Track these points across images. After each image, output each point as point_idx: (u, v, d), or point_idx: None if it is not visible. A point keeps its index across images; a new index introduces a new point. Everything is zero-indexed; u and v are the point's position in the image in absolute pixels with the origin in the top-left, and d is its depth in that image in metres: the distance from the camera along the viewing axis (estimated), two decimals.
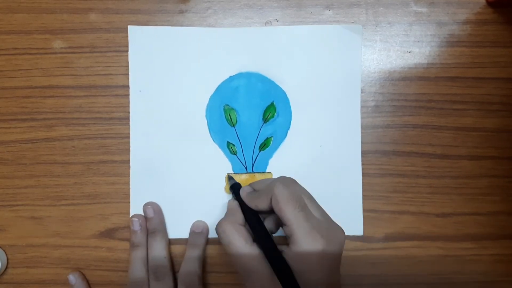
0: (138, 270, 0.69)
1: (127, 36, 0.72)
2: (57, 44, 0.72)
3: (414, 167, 0.73)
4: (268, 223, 0.65)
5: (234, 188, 0.69)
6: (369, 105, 0.73)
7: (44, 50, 0.72)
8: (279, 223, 0.63)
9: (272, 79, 0.72)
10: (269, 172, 0.73)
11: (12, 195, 0.73)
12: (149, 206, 0.72)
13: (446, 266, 0.74)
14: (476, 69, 0.73)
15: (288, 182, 0.62)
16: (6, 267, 0.73)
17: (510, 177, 0.74)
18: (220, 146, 0.73)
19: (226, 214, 0.66)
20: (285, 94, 0.72)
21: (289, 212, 0.58)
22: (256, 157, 0.73)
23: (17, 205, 0.73)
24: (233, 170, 0.73)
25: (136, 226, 0.71)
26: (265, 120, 0.72)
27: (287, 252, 0.59)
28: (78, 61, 0.72)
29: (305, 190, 0.64)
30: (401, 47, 0.73)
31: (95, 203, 0.73)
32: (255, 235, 0.63)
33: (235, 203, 0.66)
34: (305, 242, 0.57)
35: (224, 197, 0.73)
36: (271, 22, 0.73)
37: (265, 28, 0.72)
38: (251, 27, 0.73)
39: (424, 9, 0.73)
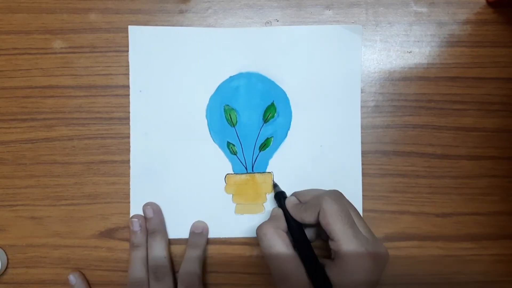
0: (138, 270, 0.69)
1: (127, 36, 0.72)
2: (57, 44, 0.72)
3: (414, 167, 0.73)
4: (308, 233, 0.65)
5: (279, 196, 0.69)
6: (369, 105, 0.73)
7: (44, 50, 0.72)
8: (319, 234, 0.65)
9: (272, 79, 0.72)
10: (269, 172, 0.73)
11: (12, 195, 0.73)
12: (149, 207, 0.72)
13: (446, 266, 0.74)
14: (476, 69, 0.73)
15: (336, 197, 0.63)
16: (6, 267, 0.73)
17: (510, 177, 0.74)
18: (220, 146, 0.73)
19: (269, 219, 0.66)
20: (285, 94, 0.72)
21: (337, 228, 0.59)
22: (256, 157, 0.73)
23: (17, 205, 0.73)
24: (233, 170, 0.73)
25: (136, 226, 0.71)
26: (265, 120, 0.72)
27: (330, 266, 0.59)
28: (78, 61, 0.72)
29: (353, 205, 0.64)
30: (401, 47, 0.73)
31: (95, 203, 0.73)
32: (297, 245, 0.63)
33: (280, 211, 0.67)
34: (352, 259, 0.58)
35: (224, 197, 0.73)
36: (271, 22, 0.73)
37: (265, 28, 0.72)
38: (251, 27, 0.73)
39: (424, 9, 0.73)
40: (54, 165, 0.73)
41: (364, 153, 0.73)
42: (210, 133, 0.72)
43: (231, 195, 0.73)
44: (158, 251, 0.70)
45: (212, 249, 0.73)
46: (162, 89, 0.72)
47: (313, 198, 0.65)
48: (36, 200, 0.73)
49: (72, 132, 0.73)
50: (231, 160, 0.73)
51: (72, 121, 0.72)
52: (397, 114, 0.73)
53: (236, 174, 0.73)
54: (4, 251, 0.73)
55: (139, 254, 0.70)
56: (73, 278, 0.71)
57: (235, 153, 0.73)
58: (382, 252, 0.61)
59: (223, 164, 0.73)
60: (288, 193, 0.71)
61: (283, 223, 0.65)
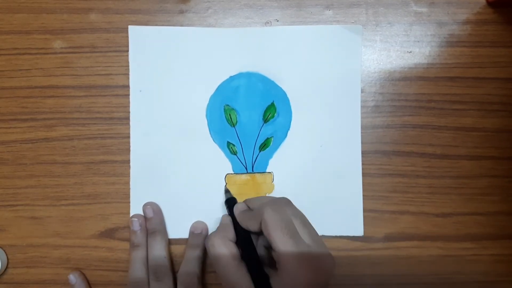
0: (138, 270, 0.69)
1: (127, 36, 0.72)
2: (57, 44, 0.72)
3: (414, 167, 0.73)
4: (261, 243, 0.66)
5: (229, 203, 0.70)
6: (369, 105, 0.73)
7: (44, 50, 0.72)
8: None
9: (273, 79, 0.72)
10: (270, 172, 0.73)
11: (12, 195, 0.73)
12: (149, 206, 0.72)
13: (446, 266, 0.74)
14: (476, 69, 0.73)
15: (279, 206, 0.63)
16: (6, 267, 0.73)
17: (510, 177, 0.74)
18: (220, 146, 0.73)
19: (218, 228, 0.67)
20: (286, 94, 0.72)
21: (277, 238, 0.59)
22: (256, 157, 0.73)
23: (17, 205, 0.73)
24: (233, 170, 0.73)
25: (136, 226, 0.71)
26: (265, 120, 0.72)
27: (273, 276, 0.60)
28: (78, 61, 0.72)
29: (299, 212, 0.64)
30: (401, 47, 0.73)
31: (95, 203, 0.73)
32: (244, 255, 0.63)
33: (229, 218, 0.68)
34: (291, 270, 0.58)
35: (224, 198, 0.73)
36: (271, 22, 0.73)
37: (266, 28, 0.72)
38: (251, 27, 0.73)
39: (424, 9, 0.73)
40: (54, 165, 0.73)
41: (364, 153, 0.73)
42: (210, 133, 0.72)
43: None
44: (158, 251, 0.70)
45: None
46: (162, 89, 0.72)
47: (258, 206, 0.65)
48: (36, 200, 0.73)
49: (72, 132, 0.73)
50: (231, 160, 0.73)
51: (72, 121, 0.72)
52: (397, 114, 0.73)
53: (236, 174, 0.73)
54: (4, 251, 0.73)
55: (139, 254, 0.70)
56: (73, 277, 0.71)
57: (235, 153, 0.73)
58: (325, 260, 0.61)
59: (223, 164, 0.73)
60: (288, 193, 0.71)
61: (231, 232, 0.65)
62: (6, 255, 0.73)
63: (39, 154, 0.73)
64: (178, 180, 0.73)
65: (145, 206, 0.72)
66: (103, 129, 0.73)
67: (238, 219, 0.66)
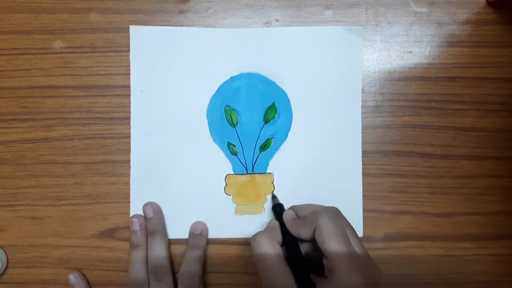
0: (138, 270, 0.69)
1: (128, 36, 0.72)
2: (57, 44, 0.72)
3: (414, 167, 0.74)
4: (304, 248, 0.65)
5: (277, 208, 0.70)
6: (369, 105, 0.73)
7: (44, 50, 0.72)
8: (315, 250, 0.64)
9: (273, 80, 0.72)
10: (270, 173, 0.73)
11: (12, 195, 0.73)
12: (149, 206, 0.72)
13: (446, 266, 0.74)
14: (476, 69, 0.73)
15: (333, 214, 0.63)
16: (6, 267, 0.73)
17: (509, 177, 0.74)
18: (221, 147, 0.73)
19: (265, 230, 0.67)
20: (286, 95, 0.72)
21: (333, 246, 0.59)
22: (257, 158, 0.73)
23: (17, 205, 0.73)
24: (233, 171, 0.73)
25: (136, 226, 0.71)
26: (266, 121, 0.72)
27: (322, 284, 0.59)
28: (78, 61, 0.72)
29: (349, 223, 0.64)
30: (401, 47, 0.73)
31: (95, 203, 0.73)
32: (291, 259, 0.63)
33: (276, 223, 0.67)
34: (346, 278, 0.57)
35: (224, 198, 0.73)
36: (271, 22, 0.73)
37: (267, 29, 0.73)
38: (251, 27, 0.73)
39: (424, 9, 0.73)
40: (54, 165, 0.73)
41: (364, 153, 0.73)
42: (211, 134, 0.72)
43: (231, 195, 0.73)
44: (158, 251, 0.70)
45: (212, 249, 0.73)
46: (163, 89, 0.72)
47: (310, 214, 0.65)
48: (36, 200, 0.73)
49: (72, 132, 0.73)
50: (231, 161, 0.73)
51: (72, 121, 0.72)
52: (397, 114, 0.73)
53: (237, 174, 0.73)
54: (4, 251, 0.73)
55: (139, 254, 0.70)
56: (73, 277, 0.72)
57: (235, 154, 0.73)
58: (375, 272, 0.61)
59: (224, 164, 0.73)
60: (288, 194, 0.72)
61: (278, 236, 0.65)
62: (6, 255, 0.73)
63: (39, 154, 0.73)
64: (178, 180, 0.73)
65: (145, 206, 0.72)
66: (103, 129, 0.73)
67: (289, 225, 0.65)
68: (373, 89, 0.73)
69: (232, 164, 0.73)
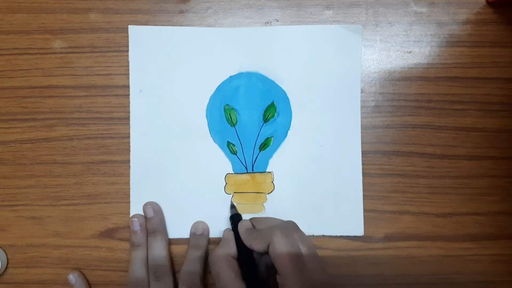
0: (138, 270, 0.69)
1: (127, 36, 0.72)
2: (57, 44, 0.72)
3: (414, 167, 0.74)
4: (263, 262, 0.67)
5: (234, 219, 0.70)
6: (369, 105, 0.73)
7: (44, 50, 0.72)
8: (270, 265, 0.66)
9: (273, 79, 0.72)
10: (270, 172, 0.73)
11: (12, 195, 0.73)
12: (149, 206, 0.72)
13: (446, 266, 0.74)
14: (476, 69, 0.73)
15: (289, 230, 0.64)
16: (6, 267, 0.73)
17: (509, 177, 0.74)
18: (221, 146, 0.73)
19: (220, 244, 0.68)
20: (285, 94, 0.72)
21: (285, 263, 0.60)
22: (256, 157, 0.73)
23: (17, 205, 0.73)
24: (233, 170, 0.73)
25: (136, 226, 0.71)
26: (265, 120, 0.72)
27: None
28: (78, 61, 0.72)
29: (305, 236, 0.65)
30: (401, 47, 0.73)
31: (95, 203, 0.73)
32: (244, 273, 0.64)
33: (231, 233, 0.68)
34: None
35: (224, 197, 0.73)
36: (271, 22, 0.73)
37: (266, 28, 0.73)
38: (251, 27, 0.73)
39: (424, 9, 0.73)
40: (54, 165, 0.73)
41: (364, 153, 0.73)
42: (210, 133, 0.72)
43: (231, 194, 0.73)
44: (158, 250, 0.70)
45: (211, 249, 0.73)
46: (162, 89, 0.72)
47: (266, 228, 0.66)
48: (36, 200, 0.73)
49: (72, 132, 0.73)
50: (231, 160, 0.73)
51: (72, 121, 0.72)
52: (397, 114, 0.73)
53: (236, 173, 0.73)
54: (4, 251, 0.73)
55: (139, 254, 0.70)
56: (73, 277, 0.71)
57: (235, 153, 0.73)
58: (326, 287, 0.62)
59: (223, 163, 0.73)
60: (288, 193, 0.72)
61: (233, 248, 0.66)
62: (6, 255, 0.73)
63: (39, 154, 0.73)
64: (178, 179, 0.73)
65: (145, 205, 0.72)
66: (103, 129, 0.73)
67: (243, 237, 0.66)
68: (373, 89, 0.73)
69: (232, 163, 0.73)
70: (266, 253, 0.63)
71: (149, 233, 0.71)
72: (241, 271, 0.64)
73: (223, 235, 0.69)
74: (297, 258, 0.60)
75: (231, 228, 0.70)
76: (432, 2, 0.73)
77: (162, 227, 0.72)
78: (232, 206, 0.73)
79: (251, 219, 0.70)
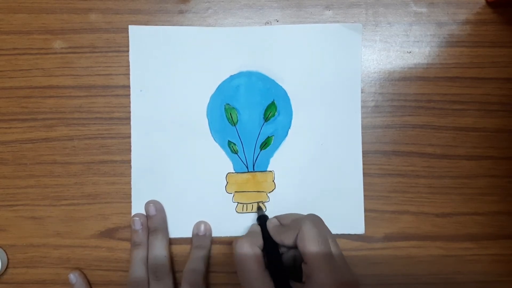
0: (138, 270, 0.69)
1: (127, 36, 0.72)
2: (57, 44, 0.72)
3: (413, 167, 0.74)
4: (287, 257, 0.67)
5: (261, 219, 0.70)
6: (369, 105, 0.73)
7: (45, 50, 0.72)
8: (295, 260, 0.66)
9: (273, 78, 0.72)
10: (270, 171, 0.73)
11: (12, 195, 0.73)
12: (151, 204, 0.72)
13: (446, 266, 0.74)
14: (475, 69, 0.73)
15: (316, 222, 0.63)
16: (6, 267, 0.73)
17: (509, 177, 0.74)
18: (221, 145, 0.73)
19: (246, 234, 0.67)
20: (286, 93, 0.72)
21: (314, 253, 0.59)
22: (257, 156, 0.73)
23: (17, 205, 0.73)
24: (234, 169, 0.73)
25: (138, 225, 0.71)
26: (266, 119, 0.72)
27: None
28: (78, 61, 0.72)
29: (330, 232, 0.65)
30: (401, 47, 0.73)
31: (95, 203, 0.73)
32: (270, 264, 0.64)
33: (258, 228, 0.68)
34: (323, 281, 0.58)
35: (225, 196, 0.73)
36: (271, 22, 0.73)
37: (266, 27, 0.73)
38: (252, 26, 0.73)
39: (423, 9, 0.73)
40: (54, 165, 0.73)
41: (364, 153, 0.73)
42: (211, 132, 0.73)
43: (232, 194, 0.73)
44: (159, 250, 0.70)
45: (212, 249, 0.73)
46: (163, 89, 0.72)
47: (293, 221, 0.66)
48: (36, 200, 0.73)
49: (73, 132, 0.73)
50: (232, 159, 0.73)
51: (73, 121, 0.73)
52: (397, 114, 0.73)
53: (237, 173, 0.73)
54: (4, 251, 0.73)
55: (140, 254, 0.70)
56: (73, 277, 0.71)
57: (236, 152, 0.73)
58: (353, 283, 0.61)
59: (224, 163, 0.73)
60: (289, 191, 0.73)
61: (259, 240, 0.66)
62: (6, 255, 0.73)
63: (39, 154, 0.73)
64: (179, 179, 0.73)
65: (147, 204, 0.72)
66: (103, 129, 0.73)
67: (272, 232, 0.66)
68: (373, 89, 0.73)
69: (233, 163, 0.73)
70: (293, 247, 0.64)
71: (150, 232, 0.72)
72: (265, 261, 0.64)
73: (250, 229, 0.69)
74: (325, 245, 0.60)
75: (257, 224, 0.71)
76: (432, 2, 0.73)
77: (163, 226, 0.72)
78: (259, 208, 0.73)
79: (276, 217, 0.70)
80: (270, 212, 0.73)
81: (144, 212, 0.72)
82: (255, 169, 0.73)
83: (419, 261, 0.74)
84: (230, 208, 0.73)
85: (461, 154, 0.74)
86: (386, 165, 0.73)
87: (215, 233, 0.73)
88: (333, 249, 0.61)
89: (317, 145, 0.73)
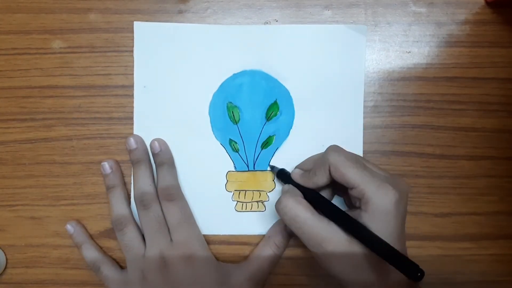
0: (118, 209, 0.70)
1: (127, 36, 0.72)
2: (56, 44, 0.72)
3: (413, 167, 0.74)
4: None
5: (282, 174, 0.70)
6: (368, 105, 0.73)
7: (43, 50, 0.72)
8: (333, 195, 0.67)
9: (276, 77, 0.72)
10: (271, 171, 0.73)
11: (11, 195, 0.73)
12: (131, 138, 0.72)
13: (445, 266, 0.74)
14: (475, 69, 0.73)
15: (338, 148, 0.63)
16: (5, 267, 0.73)
17: (508, 177, 0.74)
18: (223, 144, 0.73)
19: (283, 194, 0.65)
20: (289, 93, 0.72)
21: (353, 174, 0.59)
22: (258, 155, 0.73)
23: (17, 205, 0.73)
24: (235, 168, 0.73)
25: (107, 169, 0.71)
26: (268, 118, 0.72)
27: (360, 214, 0.59)
28: (77, 61, 0.72)
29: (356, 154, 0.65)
30: (400, 47, 0.73)
31: (94, 203, 0.73)
32: (321, 207, 0.63)
33: (289, 186, 0.67)
34: (379, 197, 0.58)
35: (225, 195, 0.73)
36: (270, 22, 0.73)
37: (271, 26, 0.72)
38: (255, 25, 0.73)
39: (423, 9, 0.73)
40: (53, 165, 0.73)
41: (363, 153, 0.73)
42: (213, 130, 0.72)
43: (232, 192, 0.73)
44: (142, 179, 0.70)
45: (211, 249, 0.73)
46: (166, 85, 0.72)
47: (316, 161, 0.65)
48: (35, 200, 0.73)
49: (72, 132, 0.72)
50: (233, 158, 0.73)
51: (72, 121, 0.72)
52: (396, 114, 0.73)
53: (238, 171, 0.73)
54: (3, 251, 0.73)
55: (116, 193, 0.71)
56: (70, 227, 0.72)
57: (237, 151, 0.73)
58: (402, 182, 0.62)
59: (225, 161, 0.73)
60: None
61: (299, 193, 0.65)
62: (5, 255, 0.73)
63: (38, 154, 0.73)
64: (179, 176, 0.73)
65: (127, 139, 0.72)
66: (102, 129, 0.73)
67: (301, 181, 0.65)
68: (372, 89, 0.73)
69: (234, 161, 0.73)
70: (327, 187, 0.64)
71: (133, 164, 0.72)
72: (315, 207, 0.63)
73: (282, 190, 0.69)
74: (360, 165, 0.60)
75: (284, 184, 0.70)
76: (431, 3, 0.73)
77: (145, 157, 0.72)
78: (273, 167, 0.73)
79: (296, 167, 0.70)
80: (270, 211, 0.73)
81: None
82: (256, 168, 0.73)
83: (418, 261, 0.72)
84: (230, 206, 0.73)
85: (460, 154, 0.74)
86: (385, 165, 0.73)
87: (214, 231, 0.73)
88: (369, 165, 0.63)
89: (318, 146, 0.72)
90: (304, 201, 0.62)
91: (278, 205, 0.63)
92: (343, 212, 0.61)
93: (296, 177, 0.66)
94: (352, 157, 0.61)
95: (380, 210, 0.58)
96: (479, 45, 0.73)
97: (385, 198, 0.58)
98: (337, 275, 0.61)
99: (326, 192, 0.66)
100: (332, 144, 0.65)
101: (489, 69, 0.73)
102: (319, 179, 0.63)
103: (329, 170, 0.61)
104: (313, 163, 0.66)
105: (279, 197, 0.63)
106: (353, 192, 0.60)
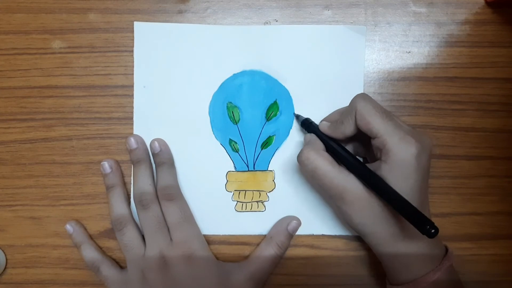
0: (118, 209, 0.70)
1: (127, 36, 0.72)
2: (56, 44, 0.72)
3: None
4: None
5: (306, 123, 0.70)
6: None
7: (43, 50, 0.72)
8: (358, 149, 0.68)
9: (276, 77, 0.72)
10: (271, 171, 0.73)
11: (11, 195, 0.73)
12: (131, 138, 0.71)
13: None
14: (474, 69, 0.73)
15: (366, 96, 0.63)
16: (5, 267, 0.73)
17: (508, 177, 0.74)
18: (222, 144, 0.73)
19: (305, 145, 0.66)
20: (289, 93, 0.72)
21: (377, 123, 0.60)
22: (258, 155, 0.73)
23: (16, 205, 0.73)
24: (235, 168, 0.73)
25: (107, 169, 0.71)
26: (268, 118, 0.72)
27: (380, 166, 0.60)
28: (77, 61, 0.72)
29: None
30: (400, 47, 0.73)
31: (94, 203, 0.73)
32: (342, 159, 0.63)
33: (313, 135, 0.67)
34: (400, 148, 0.58)
35: (225, 195, 0.73)
36: (270, 22, 0.73)
37: (271, 26, 0.73)
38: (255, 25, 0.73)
39: (423, 9, 0.73)
40: (53, 165, 0.73)
41: None
42: (213, 130, 0.72)
43: (232, 192, 0.73)
44: (142, 179, 0.70)
45: (211, 249, 0.72)
46: (166, 85, 0.72)
47: (344, 110, 0.66)
48: (35, 200, 0.73)
49: (71, 132, 0.72)
50: (232, 158, 0.73)
51: (71, 121, 0.72)
52: (396, 114, 0.73)
53: (238, 171, 0.73)
54: (3, 251, 0.73)
55: (115, 193, 0.71)
56: (69, 227, 0.72)
57: (237, 151, 0.73)
58: (426, 138, 0.62)
59: (225, 161, 0.73)
60: (288, 192, 0.73)
61: (320, 145, 0.65)
62: (5, 255, 0.73)
63: (38, 154, 0.73)
64: (179, 176, 0.73)
65: (128, 139, 0.72)
66: (102, 129, 0.73)
67: (329, 131, 0.66)
68: (372, 89, 0.73)
69: (234, 161, 0.73)
70: (353, 141, 0.66)
71: (133, 164, 0.72)
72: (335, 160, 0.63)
73: (304, 139, 0.69)
74: (387, 115, 0.61)
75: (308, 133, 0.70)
76: (431, 2, 0.73)
77: (146, 157, 0.72)
78: (297, 116, 0.72)
79: (323, 119, 0.70)
80: (270, 212, 0.73)
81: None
82: (256, 168, 0.73)
83: None
84: (230, 206, 0.73)
85: (460, 154, 0.74)
86: None
87: (214, 231, 0.73)
88: (394, 117, 0.62)
89: None
90: (326, 154, 0.63)
91: (299, 157, 0.64)
92: (363, 164, 0.62)
93: (324, 128, 0.66)
94: (379, 107, 0.61)
95: (400, 162, 0.58)
96: (479, 45, 0.73)
97: (406, 150, 0.58)
98: (356, 227, 0.63)
99: (349, 148, 0.67)
100: (360, 93, 0.65)
101: (489, 69, 0.73)
102: (346, 128, 0.63)
103: (356, 119, 0.62)
104: (340, 114, 0.67)
105: (300, 151, 0.64)
106: (375, 142, 0.60)
